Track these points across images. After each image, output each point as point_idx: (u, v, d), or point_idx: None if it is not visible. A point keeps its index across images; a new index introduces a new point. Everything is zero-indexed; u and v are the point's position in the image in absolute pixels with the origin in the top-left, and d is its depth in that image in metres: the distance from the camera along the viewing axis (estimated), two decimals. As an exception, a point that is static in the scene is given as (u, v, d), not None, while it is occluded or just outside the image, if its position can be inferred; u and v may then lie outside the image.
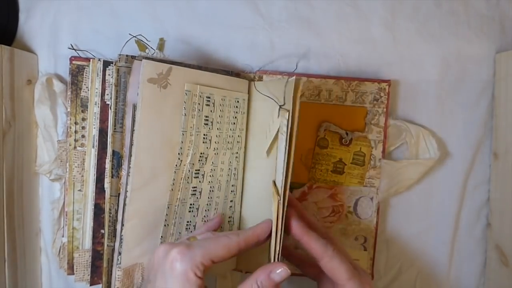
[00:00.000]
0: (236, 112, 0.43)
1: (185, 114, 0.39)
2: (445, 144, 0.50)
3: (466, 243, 0.52)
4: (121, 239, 0.38)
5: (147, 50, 0.44)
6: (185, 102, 0.39)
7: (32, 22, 0.49)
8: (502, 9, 0.50)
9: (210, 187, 0.42)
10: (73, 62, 0.44)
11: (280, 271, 0.33)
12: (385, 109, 0.47)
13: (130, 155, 0.37)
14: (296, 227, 0.36)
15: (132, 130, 0.37)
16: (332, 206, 0.48)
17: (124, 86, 0.38)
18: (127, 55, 0.38)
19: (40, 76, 0.48)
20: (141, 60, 0.36)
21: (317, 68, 0.49)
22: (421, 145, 0.49)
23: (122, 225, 0.37)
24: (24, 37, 0.49)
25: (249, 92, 0.46)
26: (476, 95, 0.50)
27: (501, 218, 0.49)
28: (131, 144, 0.37)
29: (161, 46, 0.47)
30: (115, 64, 0.38)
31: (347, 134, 0.47)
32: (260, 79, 0.47)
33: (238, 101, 0.43)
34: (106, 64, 0.41)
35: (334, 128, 0.47)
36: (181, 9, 0.49)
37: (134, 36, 0.44)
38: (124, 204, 0.37)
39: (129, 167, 0.37)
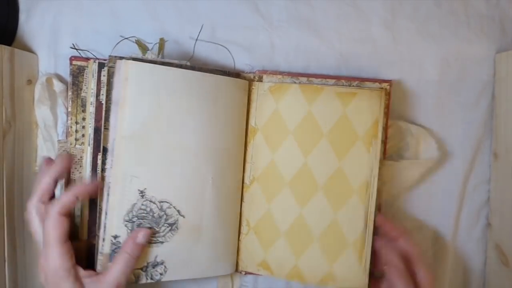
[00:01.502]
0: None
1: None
2: (445, 144, 0.50)
3: (466, 243, 0.52)
4: (104, 226, 0.40)
5: (136, 53, 0.45)
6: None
7: (32, 22, 0.49)
8: (502, 9, 0.50)
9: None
10: (73, 62, 0.45)
11: (143, 233, 0.40)
12: (386, 110, 0.47)
13: (113, 149, 0.39)
14: (379, 218, 0.44)
15: (115, 126, 0.39)
16: None
17: (112, 85, 0.40)
18: (115, 56, 0.40)
19: (40, 76, 0.48)
20: (121, 60, 0.39)
21: (317, 67, 0.49)
22: (422, 145, 0.49)
23: (106, 213, 0.40)
24: (24, 37, 0.49)
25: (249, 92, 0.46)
26: (476, 95, 0.50)
27: (501, 218, 0.49)
28: (114, 139, 0.39)
29: (161, 46, 0.47)
30: (106, 65, 0.40)
31: None
32: (260, 79, 0.47)
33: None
34: (101, 65, 0.42)
35: None
36: (181, 9, 0.49)
37: (125, 38, 0.45)
38: (107, 195, 0.39)
39: (111, 161, 0.39)
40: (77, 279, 0.38)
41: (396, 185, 0.48)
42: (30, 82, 0.47)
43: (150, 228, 0.41)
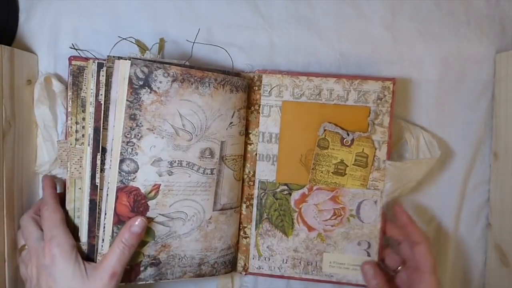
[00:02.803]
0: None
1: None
2: (445, 144, 0.50)
3: (466, 242, 0.52)
4: (104, 227, 0.40)
5: (135, 53, 0.45)
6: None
7: (32, 22, 0.49)
8: (502, 9, 0.50)
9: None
10: (73, 62, 0.44)
11: (138, 222, 0.40)
12: (389, 109, 0.46)
13: (112, 149, 0.40)
14: (402, 215, 0.45)
15: (113, 126, 0.39)
16: (333, 209, 0.47)
17: (111, 85, 0.40)
18: (113, 56, 0.40)
19: (40, 76, 0.48)
20: (119, 60, 0.39)
21: (317, 67, 0.49)
22: (421, 144, 0.48)
23: (105, 214, 0.40)
24: (24, 37, 0.49)
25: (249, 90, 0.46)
26: (476, 95, 0.50)
27: (501, 218, 0.49)
28: (112, 139, 0.39)
29: (161, 46, 0.47)
30: (105, 65, 0.41)
31: (348, 134, 0.46)
32: (260, 78, 0.47)
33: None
34: (101, 65, 0.42)
35: (334, 128, 0.46)
36: (181, 9, 0.49)
37: (123, 38, 0.45)
38: (107, 195, 0.40)
39: (110, 161, 0.40)
40: (79, 258, 0.40)
41: (399, 187, 0.47)
42: (30, 82, 0.47)
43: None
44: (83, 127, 0.45)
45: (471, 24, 0.50)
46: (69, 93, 0.45)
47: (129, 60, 0.39)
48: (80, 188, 0.44)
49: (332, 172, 0.47)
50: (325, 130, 0.46)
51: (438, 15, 0.50)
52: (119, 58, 0.39)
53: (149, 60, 0.40)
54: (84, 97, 0.45)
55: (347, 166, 0.47)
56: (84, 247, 0.42)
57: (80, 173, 0.44)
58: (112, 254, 0.39)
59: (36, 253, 0.40)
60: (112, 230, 0.40)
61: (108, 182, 0.40)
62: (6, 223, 0.43)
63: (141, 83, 0.39)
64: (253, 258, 0.48)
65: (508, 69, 0.48)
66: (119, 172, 0.40)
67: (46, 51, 0.49)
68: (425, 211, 0.51)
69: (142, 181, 0.40)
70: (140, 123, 0.40)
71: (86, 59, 0.45)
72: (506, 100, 0.48)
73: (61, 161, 0.46)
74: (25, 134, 0.46)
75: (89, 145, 0.42)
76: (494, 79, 0.50)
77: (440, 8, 0.50)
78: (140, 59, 0.40)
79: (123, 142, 0.39)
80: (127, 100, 0.39)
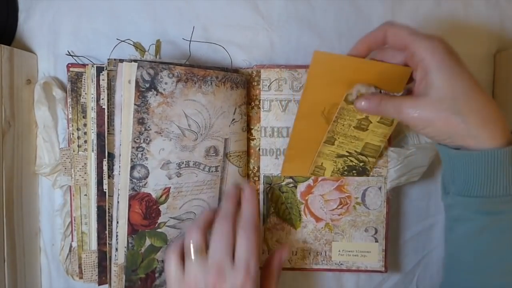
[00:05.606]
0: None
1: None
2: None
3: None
4: (116, 235, 0.39)
5: (134, 54, 0.45)
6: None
7: (32, 22, 0.48)
8: (502, 9, 0.50)
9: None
10: (70, 69, 0.44)
11: None
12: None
13: (120, 155, 0.39)
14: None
15: (120, 130, 0.38)
16: (339, 198, 0.48)
17: (114, 89, 0.39)
18: (114, 59, 0.39)
19: (40, 77, 0.48)
20: (123, 63, 0.38)
21: (317, 68, 0.49)
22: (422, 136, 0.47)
23: (117, 222, 0.39)
24: (24, 37, 0.49)
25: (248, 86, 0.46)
26: (476, 95, 0.50)
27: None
28: (120, 144, 0.39)
29: (157, 47, 0.47)
30: (105, 69, 0.40)
31: (381, 92, 0.41)
32: (258, 73, 0.47)
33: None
34: (100, 69, 0.41)
35: (367, 89, 0.40)
36: (181, 9, 0.49)
37: (122, 41, 0.45)
38: (118, 202, 0.39)
39: (119, 166, 0.39)
40: None
41: (405, 173, 0.47)
42: (30, 81, 0.47)
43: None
44: (85, 133, 0.44)
45: (471, 24, 0.50)
46: (68, 100, 0.44)
47: (135, 62, 0.38)
48: (86, 195, 0.44)
49: (354, 126, 0.43)
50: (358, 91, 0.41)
51: (438, 15, 0.50)
52: (121, 60, 0.39)
53: (154, 62, 0.40)
54: (84, 103, 0.44)
55: (371, 122, 0.43)
56: (95, 255, 0.42)
57: (85, 179, 0.44)
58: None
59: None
60: (127, 240, 0.40)
61: (119, 189, 0.39)
62: (5, 223, 0.43)
63: (147, 85, 0.38)
64: (263, 253, 0.48)
65: (508, 68, 0.48)
66: (131, 180, 0.39)
67: (46, 50, 0.49)
68: (425, 209, 0.51)
69: (153, 186, 0.40)
70: (149, 127, 0.39)
71: (84, 65, 0.44)
72: (506, 100, 0.48)
73: (65, 168, 0.46)
74: (25, 134, 0.46)
75: (93, 151, 0.42)
76: (494, 79, 0.50)
77: (440, 8, 0.50)
78: (145, 60, 0.40)
79: (132, 148, 0.39)
80: (134, 104, 0.38)
